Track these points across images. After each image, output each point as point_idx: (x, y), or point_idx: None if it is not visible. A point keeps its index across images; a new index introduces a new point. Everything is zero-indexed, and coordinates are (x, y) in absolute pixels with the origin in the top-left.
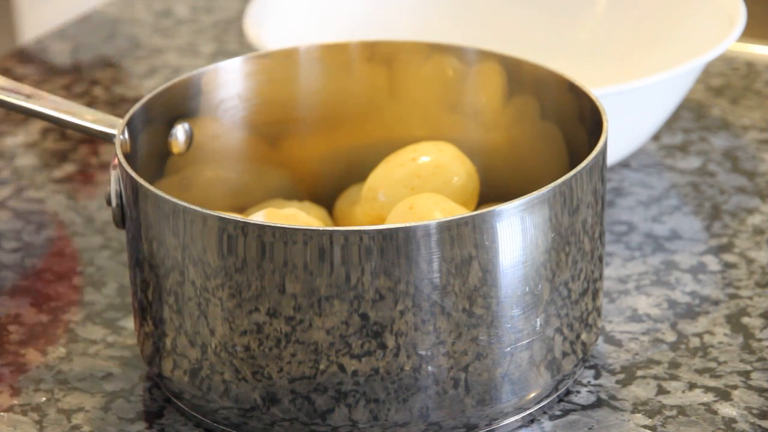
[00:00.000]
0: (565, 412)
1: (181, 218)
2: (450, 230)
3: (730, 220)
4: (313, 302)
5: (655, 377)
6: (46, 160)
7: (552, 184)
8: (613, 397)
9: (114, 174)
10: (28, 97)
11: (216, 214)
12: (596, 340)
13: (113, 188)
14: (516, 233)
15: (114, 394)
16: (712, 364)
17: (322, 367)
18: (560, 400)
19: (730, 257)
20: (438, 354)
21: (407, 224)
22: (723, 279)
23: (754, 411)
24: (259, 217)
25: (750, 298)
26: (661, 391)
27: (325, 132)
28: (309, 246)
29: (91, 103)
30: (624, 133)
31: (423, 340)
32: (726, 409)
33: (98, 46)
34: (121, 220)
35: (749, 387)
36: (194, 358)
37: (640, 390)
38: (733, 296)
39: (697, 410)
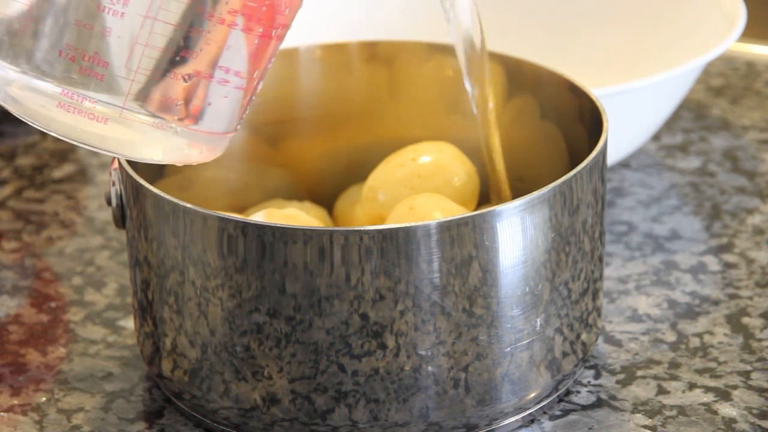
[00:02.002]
0: (565, 412)
1: (181, 218)
2: (450, 230)
3: (730, 220)
4: (313, 302)
5: (655, 377)
6: (46, 160)
7: (552, 184)
8: (613, 397)
9: (114, 174)
10: None
11: (216, 214)
12: (596, 340)
13: (113, 188)
14: (516, 233)
15: (114, 394)
16: (712, 364)
17: (322, 367)
18: (560, 400)
19: (730, 257)
20: (438, 354)
21: (407, 224)
22: (723, 279)
23: (754, 411)
24: (259, 217)
25: (750, 298)
26: (661, 391)
27: (325, 132)
28: (309, 246)
29: None
30: (624, 133)
31: (423, 340)
32: (726, 409)
33: None
34: (121, 220)
35: (749, 387)
36: (194, 358)
37: (640, 390)
38: (733, 296)
39: (697, 410)
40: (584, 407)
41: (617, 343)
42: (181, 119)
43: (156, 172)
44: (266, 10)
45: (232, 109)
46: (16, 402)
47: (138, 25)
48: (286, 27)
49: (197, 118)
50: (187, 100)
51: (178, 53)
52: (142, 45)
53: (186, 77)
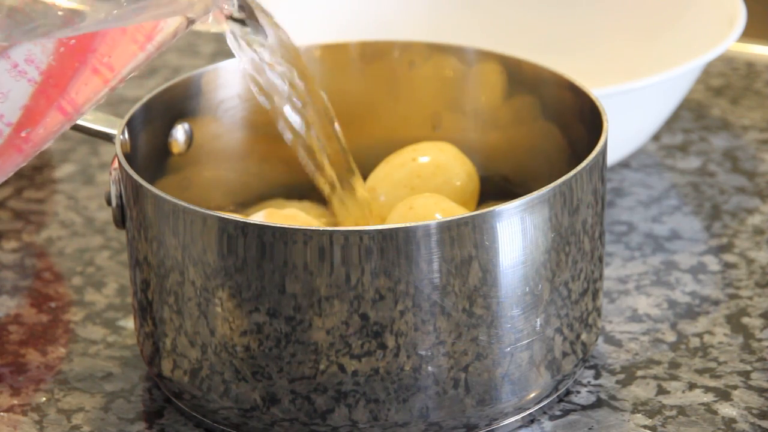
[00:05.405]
0: (565, 412)
1: (181, 218)
2: (450, 230)
3: (730, 220)
4: (313, 302)
5: (655, 377)
6: (46, 160)
7: (552, 184)
8: (613, 397)
9: (114, 174)
10: None
11: (216, 214)
12: (596, 340)
13: (113, 188)
14: (516, 233)
15: (114, 394)
16: (712, 364)
17: (322, 367)
18: (560, 400)
19: (730, 257)
20: (438, 354)
21: (407, 224)
22: (723, 279)
23: (754, 411)
24: (259, 217)
25: (750, 298)
26: (661, 391)
27: None
28: (309, 246)
29: None
30: (624, 133)
31: (423, 340)
32: (726, 409)
33: None
34: (121, 220)
35: (749, 387)
36: (194, 358)
37: (640, 390)
38: (733, 296)
39: (697, 410)
40: (584, 407)
41: (617, 343)
42: None
43: (156, 171)
44: (61, 78)
45: None
46: (16, 402)
47: None
48: (76, 111)
49: None
50: None
51: None
52: None
53: None
